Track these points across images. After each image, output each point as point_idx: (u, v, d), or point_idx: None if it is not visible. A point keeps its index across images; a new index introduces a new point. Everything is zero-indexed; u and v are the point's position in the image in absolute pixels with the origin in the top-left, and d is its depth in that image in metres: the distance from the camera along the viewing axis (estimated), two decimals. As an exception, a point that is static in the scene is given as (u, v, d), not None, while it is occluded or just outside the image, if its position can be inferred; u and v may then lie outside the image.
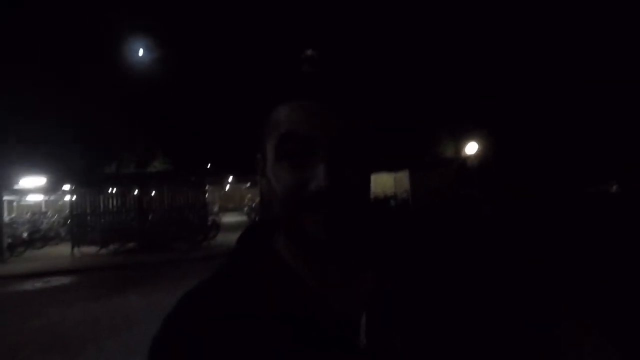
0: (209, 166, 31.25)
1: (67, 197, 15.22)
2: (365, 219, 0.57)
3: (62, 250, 12.75)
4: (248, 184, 24.24)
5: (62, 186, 14.54)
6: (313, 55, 0.55)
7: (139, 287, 7.54)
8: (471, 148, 17.02)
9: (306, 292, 0.54)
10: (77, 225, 12.36)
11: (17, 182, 14.10)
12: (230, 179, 23.39)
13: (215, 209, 24.42)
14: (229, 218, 24.71)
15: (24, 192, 19.35)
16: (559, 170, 15.41)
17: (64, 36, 14.13)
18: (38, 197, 24.24)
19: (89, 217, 12.47)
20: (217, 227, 14.56)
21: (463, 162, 17.16)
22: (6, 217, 14.62)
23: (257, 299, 0.53)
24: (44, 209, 25.07)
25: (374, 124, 0.60)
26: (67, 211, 15.40)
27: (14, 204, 24.02)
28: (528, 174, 15.42)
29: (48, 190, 18.85)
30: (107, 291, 7.33)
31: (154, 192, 13.41)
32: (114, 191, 13.03)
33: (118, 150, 24.49)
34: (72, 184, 13.07)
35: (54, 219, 19.25)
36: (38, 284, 8.57)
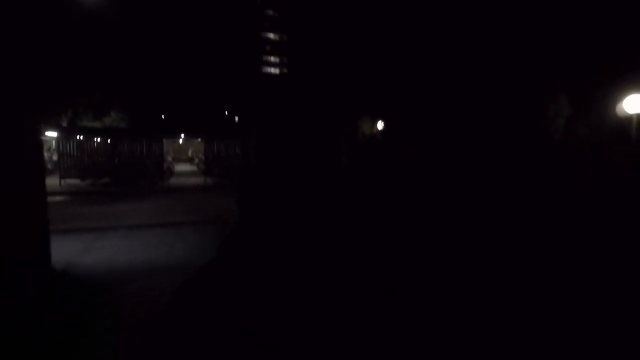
0: (164, 122, 35.06)
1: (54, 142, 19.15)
2: None
3: (51, 181, 16.93)
4: (199, 139, 28.56)
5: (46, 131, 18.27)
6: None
7: (120, 201, 12.29)
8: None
9: None
10: (63, 163, 16.56)
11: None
12: (183, 135, 27.58)
13: (170, 158, 28.79)
14: (181, 167, 29.25)
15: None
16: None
17: None
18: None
19: (72, 158, 16.68)
20: (170, 172, 19.22)
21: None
22: None
23: None
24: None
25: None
26: (54, 151, 19.33)
27: None
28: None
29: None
30: (99, 203, 12.02)
31: (122, 142, 17.70)
32: (91, 140, 17.21)
33: (74, 96, 27.38)
34: (57, 131, 17.08)
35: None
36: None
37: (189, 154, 36.16)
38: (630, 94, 9.21)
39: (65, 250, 5.81)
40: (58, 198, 13.25)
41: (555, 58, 12.81)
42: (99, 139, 17.21)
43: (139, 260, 5.57)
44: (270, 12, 56.17)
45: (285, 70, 50.05)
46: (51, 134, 17.29)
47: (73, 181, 16.44)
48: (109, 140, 17.32)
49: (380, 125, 24.12)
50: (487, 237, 5.90)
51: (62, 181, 16.29)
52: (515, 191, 9.86)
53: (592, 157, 11.61)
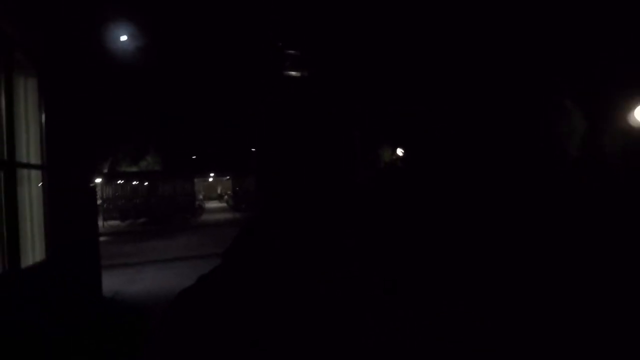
0: (195, 162, 36.83)
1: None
2: None
3: (93, 223, 18.50)
4: (227, 178, 30.01)
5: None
6: None
7: (156, 238, 13.38)
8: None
9: None
10: (105, 207, 18.06)
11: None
12: (212, 174, 29.16)
13: (201, 196, 30.34)
14: (211, 204, 30.67)
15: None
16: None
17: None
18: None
19: (112, 201, 18.18)
20: (201, 209, 20.42)
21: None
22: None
23: None
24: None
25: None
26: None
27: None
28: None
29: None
30: (139, 241, 13.15)
31: (156, 183, 19.14)
32: (129, 183, 18.74)
33: (116, 146, 29.68)
34: (100, 177, 18.74)
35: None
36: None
37: (218, 191, 37.78)
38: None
39: (112, 282, 6.72)
40: (103, 238, 14.51)
41: (567, 72, 12.94)
42: (136, 182, 18.71)
43: (173, 287, 6.39)
44: (292, 52, 59.10)
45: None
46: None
47: (114, 222, 17.84)
48: (145, 183, 18.78)
49: (399, 152, 24.86)
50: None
51: (105, 223, 17.71)
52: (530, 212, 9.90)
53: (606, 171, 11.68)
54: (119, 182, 19.01)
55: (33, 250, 4.19)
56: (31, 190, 4.25)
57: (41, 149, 4.36)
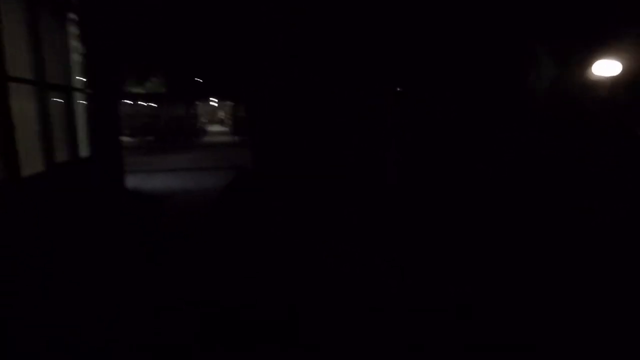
0: (198, 86, 38.01)
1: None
2: None
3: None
4: (228, 103, 31.40)
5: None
6: None
7: (162, 154, 15.40)
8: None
9: None
10: (116, 123, 19.93)
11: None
12: (214, 99, 30.54)
13: (204, 119, 32.03)
14: (213, 128, 32.48)
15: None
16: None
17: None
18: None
19: (123, 119, 19.95)
20: (204, 132, 22.26)
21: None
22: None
23: None
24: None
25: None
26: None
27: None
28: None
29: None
30: (147, 155, 15.16)
31: (162, 105, 20.77)
32: (137, 103, 20.38)
33: (122, 64, 30.75)
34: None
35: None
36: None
37: (220, 116, 39.31)
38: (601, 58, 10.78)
39: (130, 181, 8.78)
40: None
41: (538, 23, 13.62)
42: (144, 103, 20.35)
43: (178, 187, 8.47)
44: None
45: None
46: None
47: (124, 138, 19.79)
48: (151, 104, 20.42)
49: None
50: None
51: (116, 138, 19.70)
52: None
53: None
54: (128, 101, 20.61)
55: (82, 148, 6.12)
56: (79, 107, 6.07)
57: (84, 75, 6.10)
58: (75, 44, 5.95)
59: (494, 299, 3.26)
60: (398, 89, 14.60)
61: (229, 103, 32.05)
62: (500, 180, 8.53)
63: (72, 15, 5.81)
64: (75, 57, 5.98)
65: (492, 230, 5.32)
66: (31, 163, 4.10)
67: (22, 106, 4.05)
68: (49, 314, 2.98)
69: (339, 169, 11.46)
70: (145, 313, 3.07)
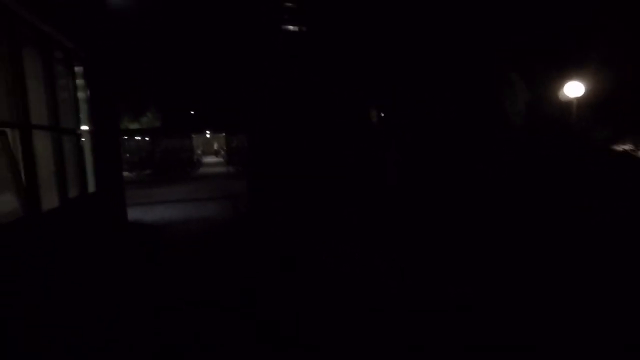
0: (192, 119, 38.85)
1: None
2: None
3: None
4: (222, 134, 32.23)
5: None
6: None
7: (161, 186, 15.93)
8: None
9: None
10: (114, 159, 20.56)
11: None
12: (208, 131, 31.37)
13: (199, 151, 32.77)
14: (208, 159, 33.17)
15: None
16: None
17: None
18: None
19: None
20: (199, 163, 22.87)
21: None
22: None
23: None
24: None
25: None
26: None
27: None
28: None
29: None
30: (146, 188, 15.68)
31: (159, 139, 21.45)
32: (134, 138, 21.06)
33: (119, 101, 31.67)
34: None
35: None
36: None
37: (215, 147, 40.15)
38: (570, 80, 11.59)
39: (131, 214, 9.28)
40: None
41: (512, 49, 14.26)
42: (140, 138, 21.03)
43: (176, 217, 8.97)
44: (289, 4, 58.45)
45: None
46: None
47: (124, 173, 20.38)
48: (148, 139, 21.10)
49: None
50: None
51: (114, 173, 20.27)
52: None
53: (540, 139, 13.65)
54: (125, 137, 21.27)
55: (89, 184, 6.66)
56: (86, 147, 6.66)
57: (88, 119, 6.72)
58: (80, 91, 6.59)
59: (494, 299, 3.27)
60: (398, 90, 15.02)
61: (222, 135, 32.87)
62: (499, 180, 8.68)
63: (77, 68, 6.49)
64: (80, 103, 6.62)
65: (492, 230, 5.43)
66: (49, 199, 4.64)
67: (41, 149, 4.63)
68: (73, 332, 3.42)
69: (339, 169, 11.63)
70: (146, 312, 3.50)
